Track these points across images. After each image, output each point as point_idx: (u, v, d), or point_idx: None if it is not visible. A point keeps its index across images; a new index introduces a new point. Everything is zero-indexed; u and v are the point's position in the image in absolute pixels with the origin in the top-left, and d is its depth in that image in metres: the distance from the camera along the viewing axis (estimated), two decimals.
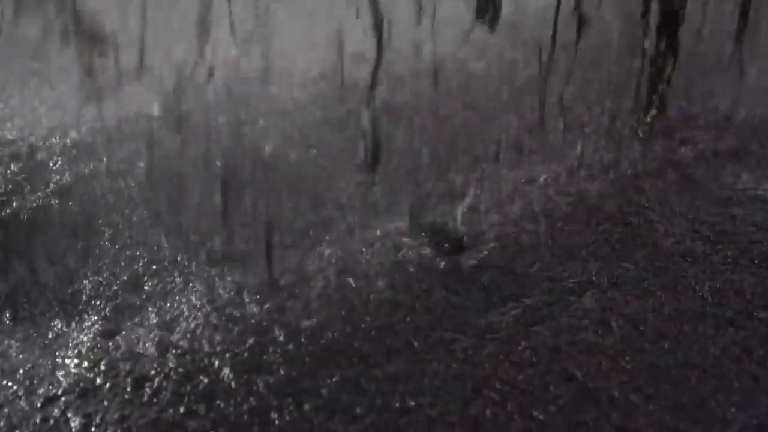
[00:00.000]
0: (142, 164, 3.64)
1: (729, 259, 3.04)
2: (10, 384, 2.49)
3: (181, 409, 2.40)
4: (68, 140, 3.80)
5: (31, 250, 3.13)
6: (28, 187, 3.48)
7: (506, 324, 2.74)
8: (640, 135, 3.80)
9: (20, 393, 2.46)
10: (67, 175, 3.56)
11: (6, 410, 2.39)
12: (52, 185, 3.49)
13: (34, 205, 3.37)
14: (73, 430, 2.33)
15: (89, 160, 3.66)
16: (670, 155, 3.71)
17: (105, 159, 3.69)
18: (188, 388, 2.48)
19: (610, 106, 3.95)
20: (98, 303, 2.86)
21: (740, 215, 3.28)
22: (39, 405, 2.41)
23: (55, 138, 3.83)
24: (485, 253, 3.08)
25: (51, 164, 3.64)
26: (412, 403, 2.43)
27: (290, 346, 2.64)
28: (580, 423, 2.37)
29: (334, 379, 2.51)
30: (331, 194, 3.40)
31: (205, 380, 2.51)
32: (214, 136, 3.82)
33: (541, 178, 3.51)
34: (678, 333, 2.69)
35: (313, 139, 3.79)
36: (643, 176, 3.55)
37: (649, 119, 3.78)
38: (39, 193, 3.42)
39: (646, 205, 3.37)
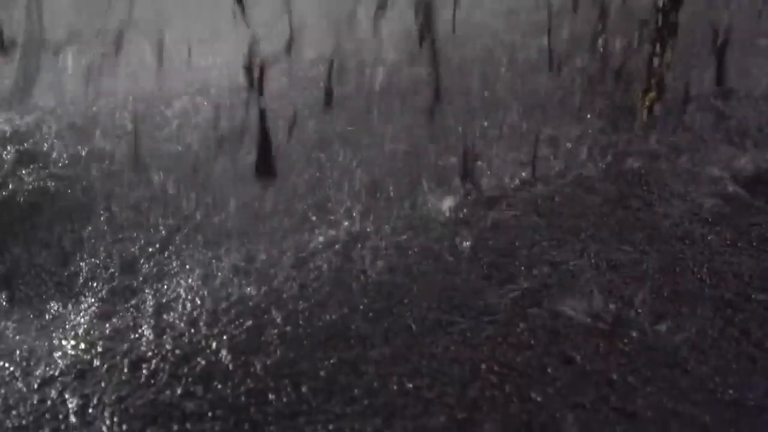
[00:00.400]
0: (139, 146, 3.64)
1: (727, 242, 3.03)
2: (7, 365, 2.49)
3: (179, 391, 2.40)
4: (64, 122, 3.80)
5: (28, 232, 3.12)
6: (24, 169, 3.47)
7: (504, 306, 2.74)
8: (640, 117, 3.79)
9: (17, 374, 2.45)
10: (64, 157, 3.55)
11: (3, 391, 2.39)
12: (48, 168, 3.48)
13: (30, 187, 3.36)
14: (71, 411, 2.32)
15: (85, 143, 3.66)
16: (669, 137, 3.70)
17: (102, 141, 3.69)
18: (185, 369, 2.47)
19: (609, 89, 3.94)
20: (95, 285, 2.86)
21: (738, 198, 3.28)
22: (36, 386, 2.41)
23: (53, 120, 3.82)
24: (484, 235, 3.07)
25: (47, 146, 3.63)
26: (410, 385, 2.43)
27: (288, 328, 2.64)
28: (578, 405, 2.36)
29: (331, 361, 2.51)
30: (330, 177, 3.39)
31: (203, 362, 2.50)
32: (210, 119, 3.82)
33: (540, 161, 3.50)
34: (676, 315, 2.69)
35: (312, 121, 3.78)
36: (642, 159, 3.54)
37: (648, 102, 3.77)
38: (35, 175, 3.41)
39: (644, 187, 3.37)
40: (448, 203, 3.23)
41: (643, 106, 3.80)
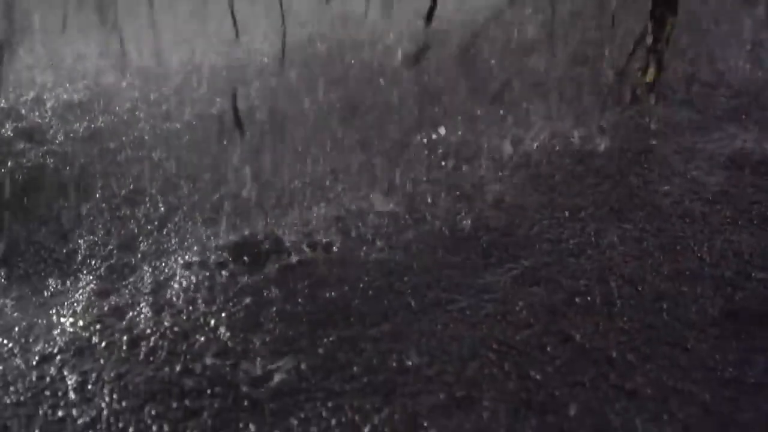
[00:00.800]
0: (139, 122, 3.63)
1: (728, 220, 3.02)
2: (5, 342, 2.48)
3: (178, 368, 2.39)
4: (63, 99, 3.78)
5: (27, 209, 3.11)
6: (22, 146, 3.46)
7: (504, 284, 2.73)
8: (639, 95, 3.77)
9: (16, 351, 2.45)
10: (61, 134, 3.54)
11: (1, 367, 2.39)
12: (46, 145, 3.47)
13: (29, 164, 3.35)
14: (70, 387, 2.32)
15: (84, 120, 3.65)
16: (669, 116, 3.69)
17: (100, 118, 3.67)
18: (184, 347, 2.47)
19: (609, 65, 3.92)
20: (93, 262, 2.85)
21: (739, 176, 3.27)
22: (35, 363, 2.41)
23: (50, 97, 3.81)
24: (483, 213, 3.06)
25: (45, 124, 3.62)
26: (409, 363, 2.43)
27: (287, 306, 2.63)
28: (578, 383, 2.36)
29: (330, 339, 2.50)
30: (330, 153, 3.38)
31: (201, 339, 2.50)
32: (209, 98, 3.81)
33: (540, 139, 3.49)
34: (676, 293, 2.69)
35: (311, 97, 3.76)
36: (642, 137, 3.53)
37: (648, 79, 3.75)
38: (34, 152, 3.40)
39: (645, 165, 3.36)
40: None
41: (642, 82, 3.78)
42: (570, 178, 3.28)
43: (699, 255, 2.86)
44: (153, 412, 2.26)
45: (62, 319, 2.58)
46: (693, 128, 3.60)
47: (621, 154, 3.43)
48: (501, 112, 3.65)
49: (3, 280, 2.77)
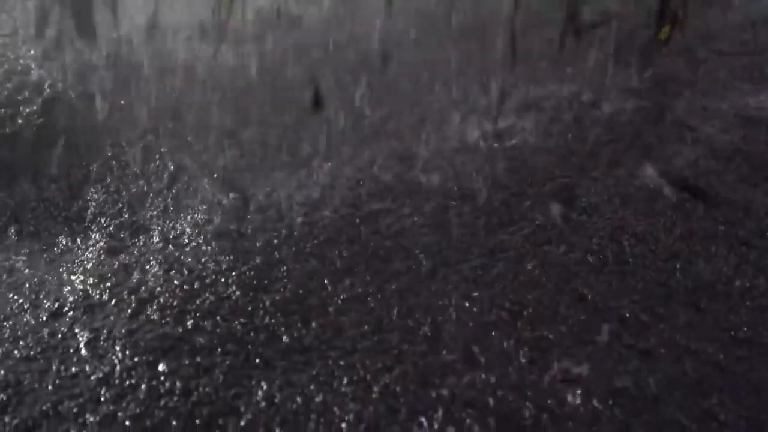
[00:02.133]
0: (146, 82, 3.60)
1: (743, 178, 2.99)
2: (17, 298, 2.48)
3: (189, 325, 2.39)
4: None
5: (37, 166, 3.10)
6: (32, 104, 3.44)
7: (516, 243, 2.71)
8: (655, 52, 3.73)
9: (26, 307, 2.45)
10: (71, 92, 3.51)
11: (13, 323, 2.39)
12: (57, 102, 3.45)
13: (39, 122, 3.33)
14: (81, 344, 2.32)
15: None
16: (685, 74, 3.64)
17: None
18: (194, 305, 2.47)
19: (624, 23, 3.87)
20: (103, 220, 2.84)
21: (755, 134, 3.23)
22: (45, 319, 2.41)
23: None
24: (495, 172, 3.04)
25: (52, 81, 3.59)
26: (420, 322, 2.42)
27: (297, 265, 2.62)
28: (591, 342, 2.35)
29: (341, 298, 2.49)
30: (338, 113, 3.36)
31: (212, 298, 2.49)
32: (217, 55, 3.78)
33: (553, 97, 3.46)
34: (690, 252, 2.67)
35: (317, 60, 3.73)
36: (656, 95, 3.49)
37: (663, 36, 3.70)
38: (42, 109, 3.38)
39: (659, 124, 3.32)
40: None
41: (657, 40, 3.73)
42: (583, 136, 3.24)
43: (712, 213, 2.83)
44: (165, 369, 2.26)
45: (72, 276, 2.57)
46: (708, 86, 3.56)
47: (635, 113, 3.39)
48: (512, 69, 3.61)
49: (14, 237, 2.77)
